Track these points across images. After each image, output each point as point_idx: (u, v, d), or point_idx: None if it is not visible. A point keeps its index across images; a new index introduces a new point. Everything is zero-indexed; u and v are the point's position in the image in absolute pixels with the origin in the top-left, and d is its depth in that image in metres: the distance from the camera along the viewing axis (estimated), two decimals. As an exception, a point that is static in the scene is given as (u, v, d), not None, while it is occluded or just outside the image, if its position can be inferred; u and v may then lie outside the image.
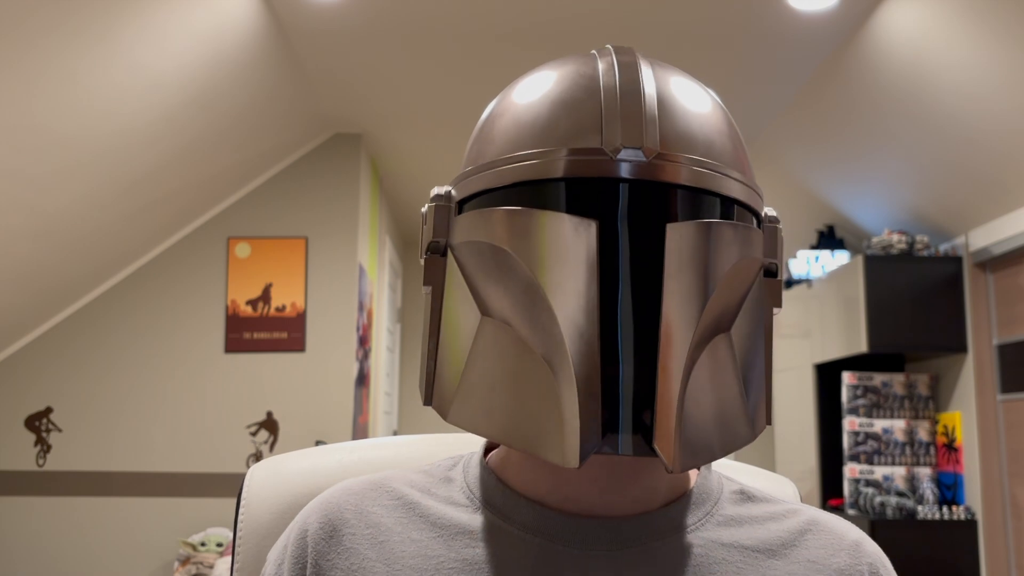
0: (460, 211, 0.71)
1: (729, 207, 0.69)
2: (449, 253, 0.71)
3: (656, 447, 0.61)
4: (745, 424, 0.68)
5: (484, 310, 0.68)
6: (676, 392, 0.61)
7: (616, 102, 0.66)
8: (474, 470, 0.75)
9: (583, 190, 0.66)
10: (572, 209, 0.65)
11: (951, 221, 4.24)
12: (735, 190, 0.68)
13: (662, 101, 0.67)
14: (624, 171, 0.65)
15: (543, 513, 0.70)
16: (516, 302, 0.65)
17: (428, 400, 0.72)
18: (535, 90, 0.70)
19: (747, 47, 3.73)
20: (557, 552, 0.68)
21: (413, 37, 3.66)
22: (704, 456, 0.64)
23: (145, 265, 4.63)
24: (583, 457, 0.60)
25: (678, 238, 0.63)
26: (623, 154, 0.64)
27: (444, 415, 0.70)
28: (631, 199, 0.65)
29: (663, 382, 0.62)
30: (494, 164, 0.69)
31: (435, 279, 0.72)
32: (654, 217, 0.65)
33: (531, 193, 0.67)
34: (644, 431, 0.63)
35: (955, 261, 4.26)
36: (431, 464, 0.78)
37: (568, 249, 0.63)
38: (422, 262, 0.73)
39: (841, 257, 5.14)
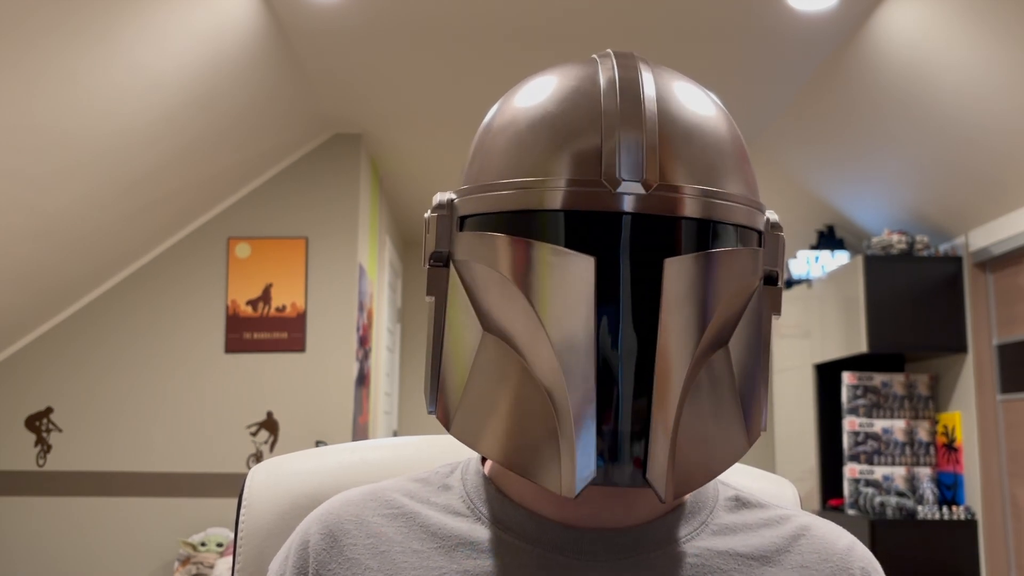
0: (462, 225, 0.71)
1: (731, 230, 0.68)
2: (452, 266, 0.71)
3: (649, 479, 0.63)
4: (741, 435, 0.69)
5: (486, 326, 0.68)
6: (670, 425, 0.63)
7: (616, 130, 0.65)
8: (472, 478, 0.75)
9: (583, 222, 0.65)
10: (571, 240, 0.65)
11: (951, 221, 4.24)
12: (737, 214, 0.67)
13: (664, 123, 0.66)
14: (623, 204, 0.64)
15: (542, 524, 0.70)
16: (516, 327, 0.66)
17: (432, 409, 0.73)
18: (536, 107, 0.69)
19: (747, 47, 3.73)
20: (556, 562, 0.69)
21: (413, 37, 3.66)
22: (698, 481, 0.65)
23: (145, 265, 4.63)
24: (579, 487, 0.62)
25: (676, 273, 0.63)
26: (623, 187, 0.64)
27: (447, 427, 0.71)
28: (630, 231, 0.65)
29: (657, 414, 0.63)
30: (494, 187, 0.68)
31: (438, 289, 0.72)
32: (654, 249, 0.65)
33: (531, 221, 0.66)
34: (640, 462, 0.64)
35: (955, 261, 4.26)
36: (428, 471, 0.78)
37: (567, 284, 0.63)
38: (425, 269, 0.73)
39: (841, 257, 5.13)
